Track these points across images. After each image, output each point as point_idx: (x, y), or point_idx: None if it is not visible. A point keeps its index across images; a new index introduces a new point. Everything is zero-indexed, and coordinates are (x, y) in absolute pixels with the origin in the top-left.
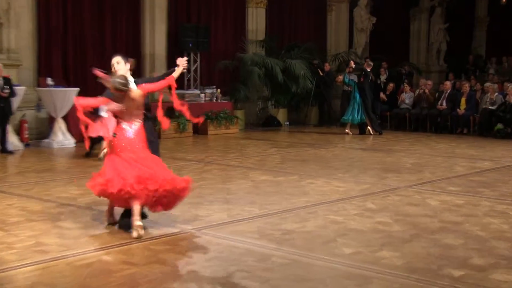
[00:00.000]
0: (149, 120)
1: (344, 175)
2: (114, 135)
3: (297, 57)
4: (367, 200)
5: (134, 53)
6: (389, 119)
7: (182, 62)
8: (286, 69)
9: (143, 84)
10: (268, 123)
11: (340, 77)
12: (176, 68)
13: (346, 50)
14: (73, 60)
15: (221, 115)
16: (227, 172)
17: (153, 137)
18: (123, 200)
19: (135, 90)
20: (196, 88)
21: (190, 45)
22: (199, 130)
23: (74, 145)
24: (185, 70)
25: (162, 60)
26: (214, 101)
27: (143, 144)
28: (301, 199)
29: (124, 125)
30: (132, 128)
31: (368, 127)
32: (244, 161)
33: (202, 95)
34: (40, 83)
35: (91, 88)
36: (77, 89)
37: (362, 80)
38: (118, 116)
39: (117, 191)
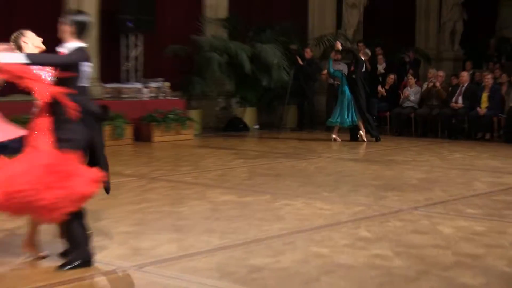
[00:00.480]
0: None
1: (331, 194)
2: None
3: (269, 41)
4: (360, 226)
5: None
6: (388, 121)
7: None
8: (255, 56)
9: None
10: (232, 127)
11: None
12: None
13: (333, 31)
14: None
15: (170, 116)
16: (177, 191)
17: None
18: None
19: None
20: (137, 81)
21: (129, 24)
22: (141, 136)
23: None
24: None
25: (92, 43)
26: (161, 98)
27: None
28: (274, 225)
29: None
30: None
31: (361, 132)
32: (201, 177)
33: (145, 90)
34: None
35: None
36: None
37: (352, 70)
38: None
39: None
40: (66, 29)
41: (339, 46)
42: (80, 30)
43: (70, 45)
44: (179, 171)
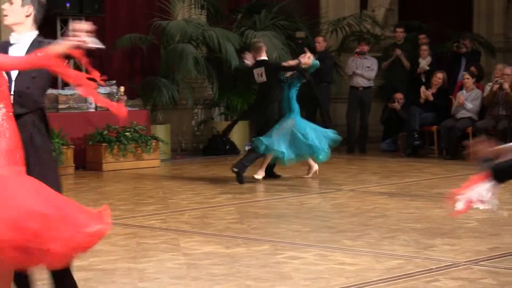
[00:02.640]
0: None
1: (355, 242)
2: None
3: (265, 27)
4: None
5: None
6: (436, 138)
7: (79, 27)
8: (246, 48)
9: None
10: (215, 149)
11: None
12: (62, 41)
13: (356, 13)
14: None
15: (127, 134)
16: (139, 240)
17: (42, 148)
18: None
19: None
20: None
21: (68, 5)
22: (86, 163)
23: None
24: (90, 46)
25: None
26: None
27: (10, 157)
28: (276, 287)
29: None
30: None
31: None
32: (172, 219)
33: (90, 98)
34: None
35: None
36: None
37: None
38: None
39: None
40: None
41: (364, 48)
42: None
43: None
44: (140, 212)
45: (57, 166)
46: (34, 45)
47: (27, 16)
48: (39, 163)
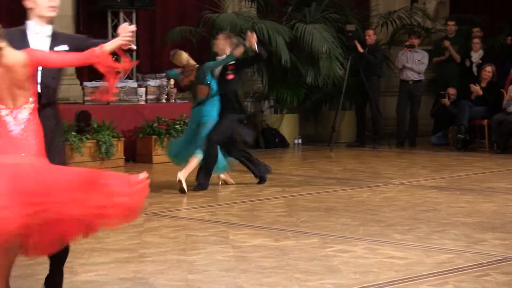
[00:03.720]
0: (52, 107)
1: (405, 236)
2: None
3: (316, 20)
4: (448, 282)
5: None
6: (487, 132)
7: (125, 30)
8: (296, 42)
9: (36, 50)
10: (264, 141)
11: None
12: (113, 39)
13: (407, 6)
14: None
15: (176, 127)
16: (188, 233)
17: (57, 136)
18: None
19: (14, 54)
20: (129, 77)
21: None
22: (136, 156)
23: None
24: (129, 47)
25: (67, 22)
26: (165, 101)
27: (37, 148)
28: (325, 280)
29: (5, 113)
30: (17, 120)
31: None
32: (221, 212)
33: (142, 90)
34: None
35: None
36: None
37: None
38: None
39: None
40: None
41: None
42: None
43: None
44: (190, 204)
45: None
46: (55, 37)
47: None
48: (57, 152)
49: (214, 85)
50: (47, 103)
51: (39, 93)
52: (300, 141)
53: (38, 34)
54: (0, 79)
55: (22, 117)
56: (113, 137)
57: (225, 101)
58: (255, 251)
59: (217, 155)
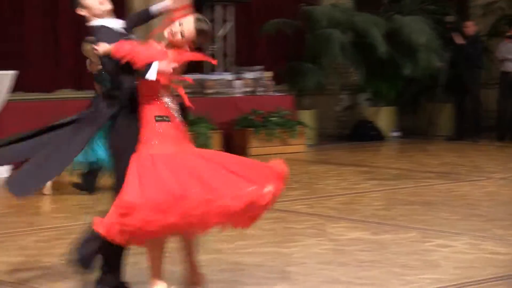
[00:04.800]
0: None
1: (507, 231)
2: (167, 119)
3: (413, 12)
4: None
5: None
6: None
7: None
8: (393, 34)
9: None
10: (360, 134)
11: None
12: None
13: None
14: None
15: (273, 119)
16: (285, 225)
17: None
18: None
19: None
20: (226, 70)
21: None
22: (232, 147)
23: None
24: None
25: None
26: (261, 93)
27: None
28: (424, 275)
29: (167, 100)
30: (174, 107)
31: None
32: (317, 205)
33: (238, 83)
34: None
35: (38, 67)
36: (12, 72)
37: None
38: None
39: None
40: None
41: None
42: None
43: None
44: (286, 197)
45: None
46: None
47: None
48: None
49: None
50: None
51: None
52: (397, 134)
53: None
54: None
55: (173, 105)
56: (210, 129)
57: None
58: (352, 244)
59: None
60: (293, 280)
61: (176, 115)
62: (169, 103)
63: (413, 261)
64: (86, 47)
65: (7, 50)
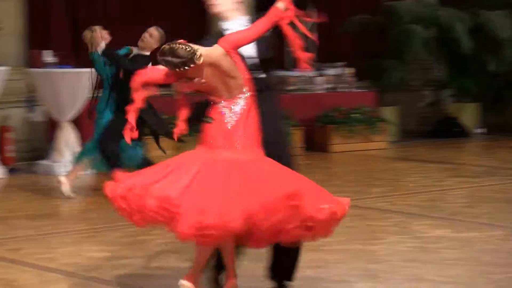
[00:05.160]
0: (269, 93)
1: None
2: (210, 120)
3: (499, 6)
4: None
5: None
6: None
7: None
8: (477, 29)
9: (227, 36)
10: (444, 131)
11: None
12: None
13: None
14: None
15: (355, 116)
16: (368, 222)
17: (278, 129)
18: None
19: (209, 50)
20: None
21: None
22: (314, 144)
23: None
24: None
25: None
26: (342, 90)
27: (252, 141)
28: (511, 274)
29: (222, 105)
30: (232, 111)
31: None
32: (400, 202)
33: (320, 79)
34: (33, 60)
35: None
36: (4, 68)
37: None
38: (208, 93)
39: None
40: None
41: None
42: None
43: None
44: (369, 194)
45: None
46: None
47: (239, 2)
48: (277, 141)
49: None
50: (262, 89)
51: (256, 79)
52: (481, 130)
53: (229, 31)
54: (213, 77)
55: (237, 108)
56: (291, 125)
57: None
58: (436, 242)
59: None
60: (377, 278)
61: (226, 119)
62: (222, 108)
63: (499, 259)
64: (87, 34)
65: None
